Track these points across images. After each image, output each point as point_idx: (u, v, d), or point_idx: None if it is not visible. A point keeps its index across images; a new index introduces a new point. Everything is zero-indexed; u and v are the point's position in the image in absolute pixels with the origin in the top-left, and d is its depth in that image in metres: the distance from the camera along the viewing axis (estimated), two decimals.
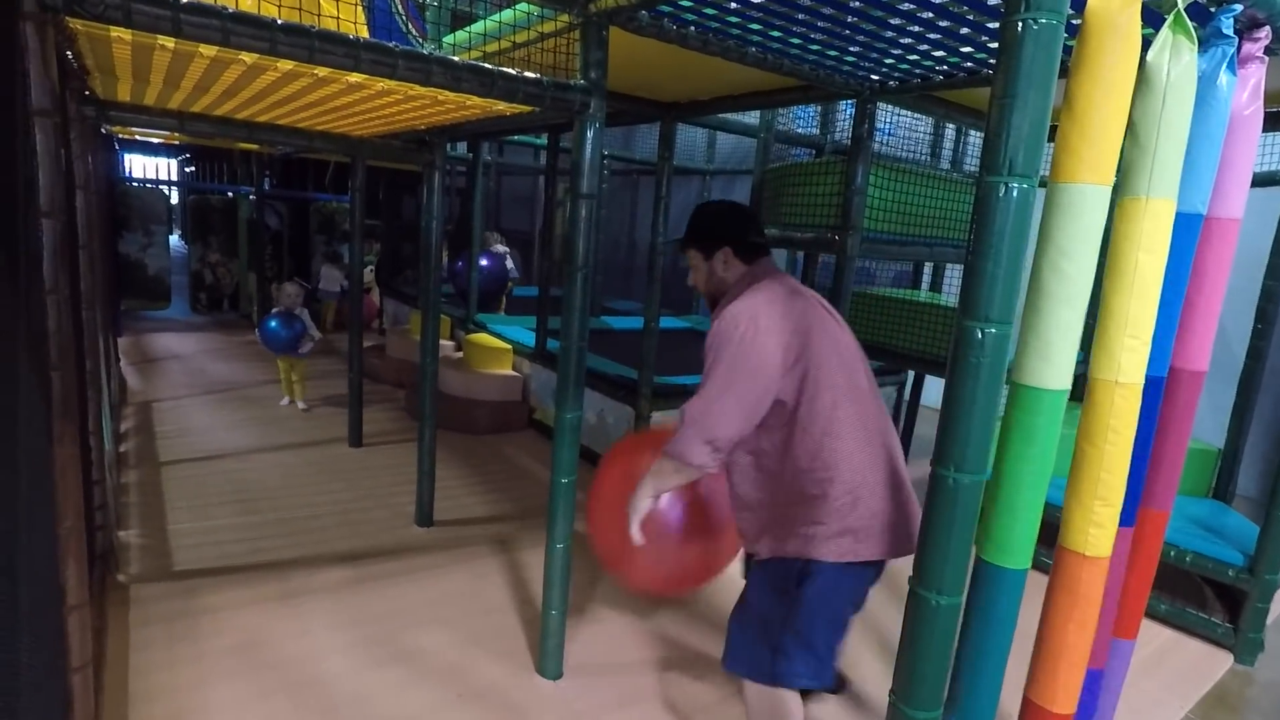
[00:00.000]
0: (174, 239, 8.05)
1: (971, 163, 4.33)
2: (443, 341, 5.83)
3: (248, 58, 1.70)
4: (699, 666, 2.42)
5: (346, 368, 4.32)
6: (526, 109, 2.13)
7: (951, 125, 4.33)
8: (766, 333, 1.58)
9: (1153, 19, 1.26)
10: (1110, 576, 1.49)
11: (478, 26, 2.49)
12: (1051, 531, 1.50)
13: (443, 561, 3.00)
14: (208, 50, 1.66)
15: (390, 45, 1.66)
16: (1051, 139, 1.17)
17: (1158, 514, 1.66)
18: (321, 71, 1.79)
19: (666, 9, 2.00)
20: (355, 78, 1.84)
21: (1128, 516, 1.54)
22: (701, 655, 2.48)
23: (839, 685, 2.30)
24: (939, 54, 2.22)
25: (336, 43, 1.58)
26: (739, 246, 1.76)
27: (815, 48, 2.27)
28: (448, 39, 2.69)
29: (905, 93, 2.65)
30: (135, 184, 8.03)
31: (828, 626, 1.65)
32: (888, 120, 3.88)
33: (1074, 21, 1.23)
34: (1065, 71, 1.18)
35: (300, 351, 4.84)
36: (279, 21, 1.51)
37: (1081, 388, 1.41)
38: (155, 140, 7.43)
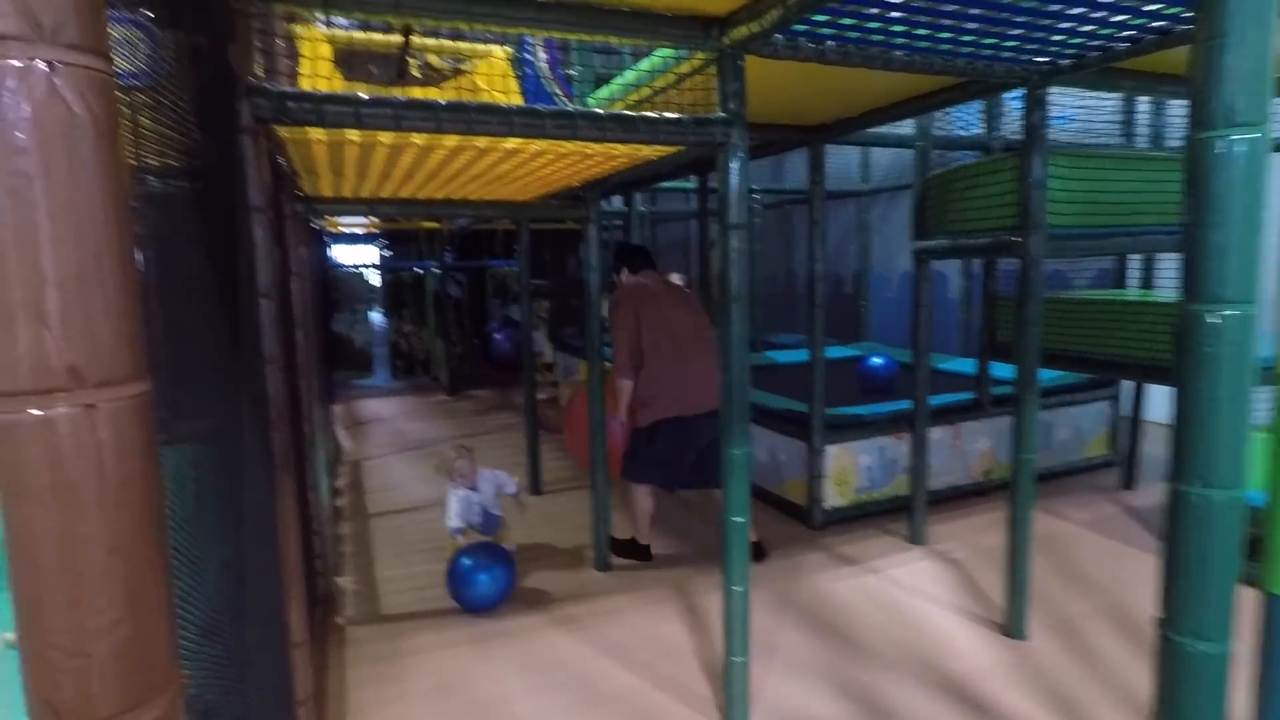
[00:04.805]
0: (376, 315, 9.04)
1: (1178, 136, 3.81)
2: None
3: (419, 139, 1.87)
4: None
5: (522, 420, 4.55)
6: (671, 149, 2.16)
7: (1146, 99, 3.86)
8: (624, 312, 3.23)
9: None
10: None
11: (618, 79, 2.59)
12: None
13: (622, 605, 3.02)
14: (385, 138, 1.85)
15: (538, 107, 1.77)
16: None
17: None
18: (481, 143, 1.94)
19: (801, 29, 1.96)
20: (511, 143, 1.96)
21: None
22: (896, 708, 2.27)
23: (757, 553, 3.30)
24: (1119, 18, 1.98)
25: (491, 112, 1.71)
26: (629, 265, 3.43)
27: (969, 39, 2.12)
28: (591, 96, 2.81)
29: (1082, 70, 2.39)
30: (343, 270, 9.13)
31: (656, 453, 3.24)
32: (1065, 105, 3.53)
33: None
34: None
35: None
36: (440, 102, 1.66)
37: None
38: (358, 232, 8.44)
